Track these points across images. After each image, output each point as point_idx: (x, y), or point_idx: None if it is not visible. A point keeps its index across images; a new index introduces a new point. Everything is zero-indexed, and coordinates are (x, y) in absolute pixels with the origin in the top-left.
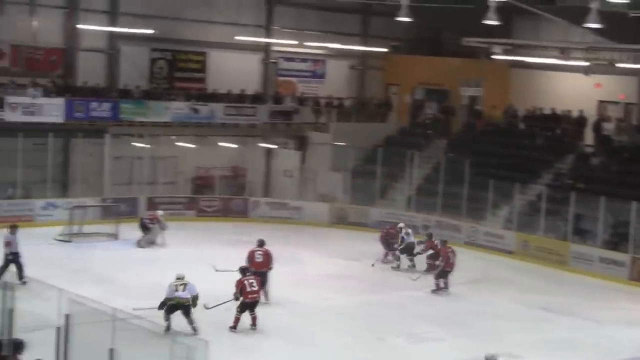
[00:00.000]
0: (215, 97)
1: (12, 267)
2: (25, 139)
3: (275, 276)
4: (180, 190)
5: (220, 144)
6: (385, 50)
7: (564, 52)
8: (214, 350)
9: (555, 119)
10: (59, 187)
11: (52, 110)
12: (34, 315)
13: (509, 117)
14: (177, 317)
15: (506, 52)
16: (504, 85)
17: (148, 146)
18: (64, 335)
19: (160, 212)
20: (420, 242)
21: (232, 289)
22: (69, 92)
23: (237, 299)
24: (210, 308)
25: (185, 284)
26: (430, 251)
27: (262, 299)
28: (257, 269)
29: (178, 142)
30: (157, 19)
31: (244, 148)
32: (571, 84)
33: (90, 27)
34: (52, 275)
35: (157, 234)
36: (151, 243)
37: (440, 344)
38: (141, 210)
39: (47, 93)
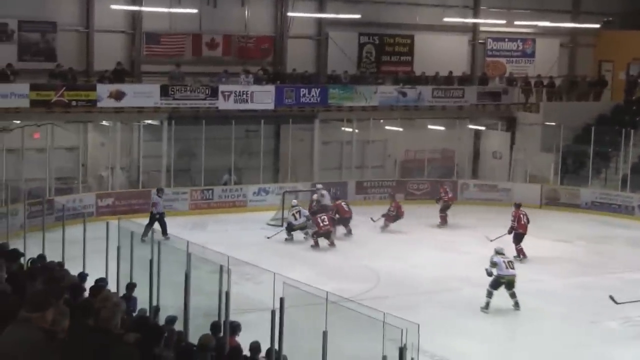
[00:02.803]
0: (422, 80)
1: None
2: (238, 127)
3: (482, 259)
4: (389, 174)
5: (429, 126)
6: (597, 26)
7: None
8: (424, 333)
9: None
10: (270, 173)
11: (263, 97)
12: (247, 298)
13: None
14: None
15: None
16: None
17: (356, 130)
18: (278, 317)
19: (343, 204)
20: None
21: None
22: (279, 79)
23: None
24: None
25: (299, 211)
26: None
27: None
28: (346, 216)
29: (386, 125)
30: (364, 4)
31: (452, 130)
32: None
33: (299, 15)
34: (265, 258)
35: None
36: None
37: None
38: (350, 195)
39: (258, 81)
